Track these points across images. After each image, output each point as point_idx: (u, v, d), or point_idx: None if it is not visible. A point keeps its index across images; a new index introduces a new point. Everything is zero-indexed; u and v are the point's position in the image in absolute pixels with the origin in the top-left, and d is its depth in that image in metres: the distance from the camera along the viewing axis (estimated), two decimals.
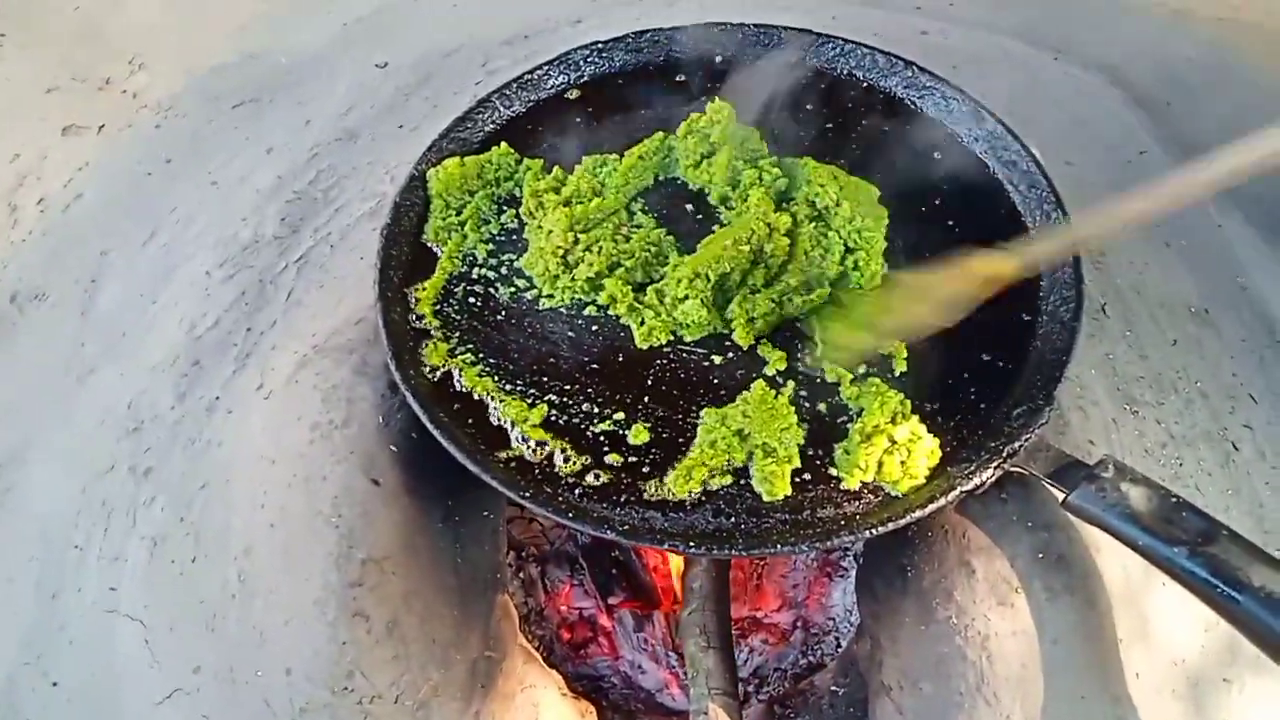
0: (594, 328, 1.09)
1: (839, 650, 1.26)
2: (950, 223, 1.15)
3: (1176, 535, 0.87)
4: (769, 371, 1.05)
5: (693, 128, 1.20)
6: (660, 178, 1.22)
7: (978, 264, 1.03)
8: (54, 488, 1.23)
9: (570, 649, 1.29)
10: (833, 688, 1.16)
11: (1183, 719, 0.97)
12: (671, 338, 1.08)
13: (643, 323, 1.08)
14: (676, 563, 1.35)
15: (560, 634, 1.29)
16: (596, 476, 0.98)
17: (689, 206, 1.19)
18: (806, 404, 1.02)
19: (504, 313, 1.11)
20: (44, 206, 1.51)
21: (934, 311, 1.04)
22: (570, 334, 1.09)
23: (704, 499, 0.97)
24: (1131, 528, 0.88)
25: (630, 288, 1.10)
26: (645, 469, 0.99)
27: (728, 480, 0.98)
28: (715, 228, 1.14)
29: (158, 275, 1.38)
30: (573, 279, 1.10)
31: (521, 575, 1.30)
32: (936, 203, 1.16)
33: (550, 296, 1.12)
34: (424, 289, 1.12)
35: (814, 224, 1.12)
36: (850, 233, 1.10)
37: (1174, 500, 0.89)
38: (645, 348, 1.07)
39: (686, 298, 1.06)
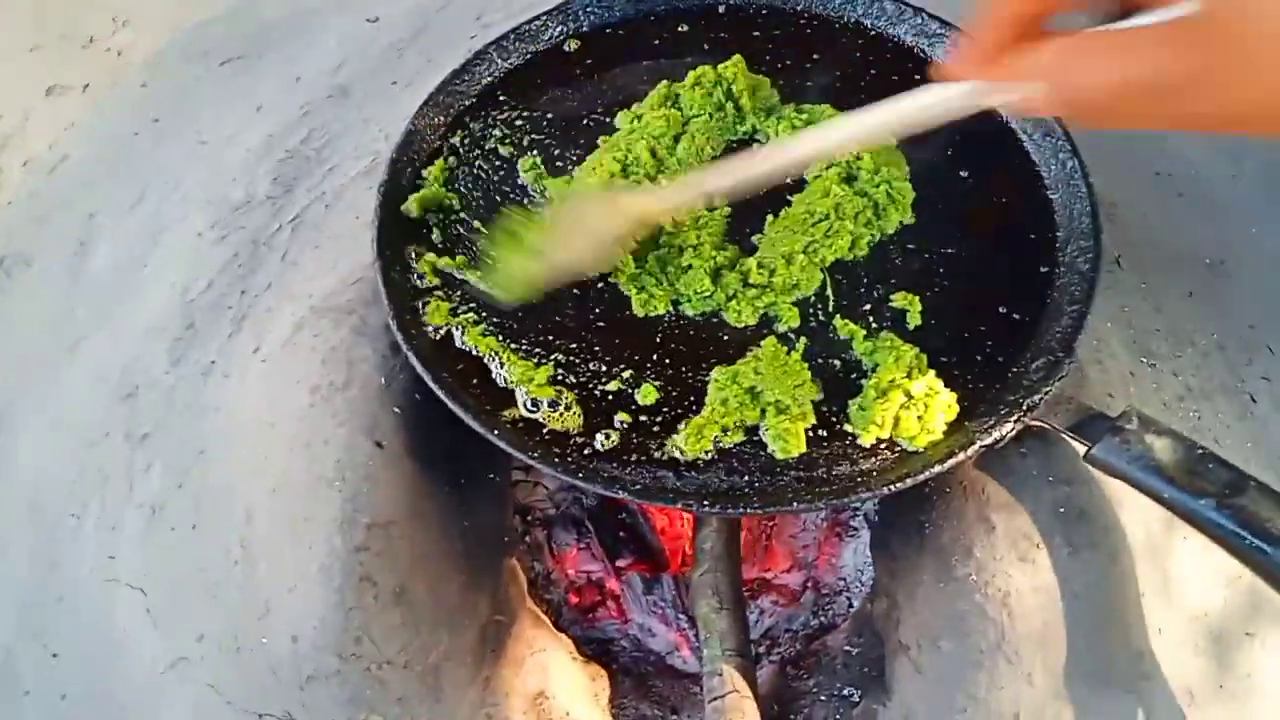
0: (600, 284, 1.06)
1: (850, 611, 1.25)
2: (964, 173, 1.12)
3: (1203, 487, 0.85)
4: (780, 328, 1.02)
5: (701, 80, 1.16)
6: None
7: (626, 201, 1.02)
8: (48, 456, 1.21)
9: (579, 613, 1.28)
10: (846, 648, 1.15)
11: (1205, 673, 0.96)
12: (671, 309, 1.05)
13: (642, 289, 1.05)
14: (685, 525, 1.33)
15: (568, 598, 1.28)
16: (606, 436, 0.96)
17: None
18: (820, 360, 1.00)
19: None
20: (29, 169, 1.47)
21: (593, 248, 1.03)
22: (575, 291, 1.06)
23: (716, 458, 0.95)
24: (1157, 480, 0.86)
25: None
26: (655, 428, 0.96)
27: (740, 438, 0.96)
28: None
29: (148, 237, 1.34)
30: None
31: (528, 539, 1.28)
32: (949, 153, 1.13)
33: None
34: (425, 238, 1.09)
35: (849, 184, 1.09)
36: (880, 186, 1.07)
37: (1200, 451, 0.87)
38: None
39: (689, 267, 1.03)
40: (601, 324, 1.04)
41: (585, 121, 1.20)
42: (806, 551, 1.32)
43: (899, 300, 1.03)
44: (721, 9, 1.27)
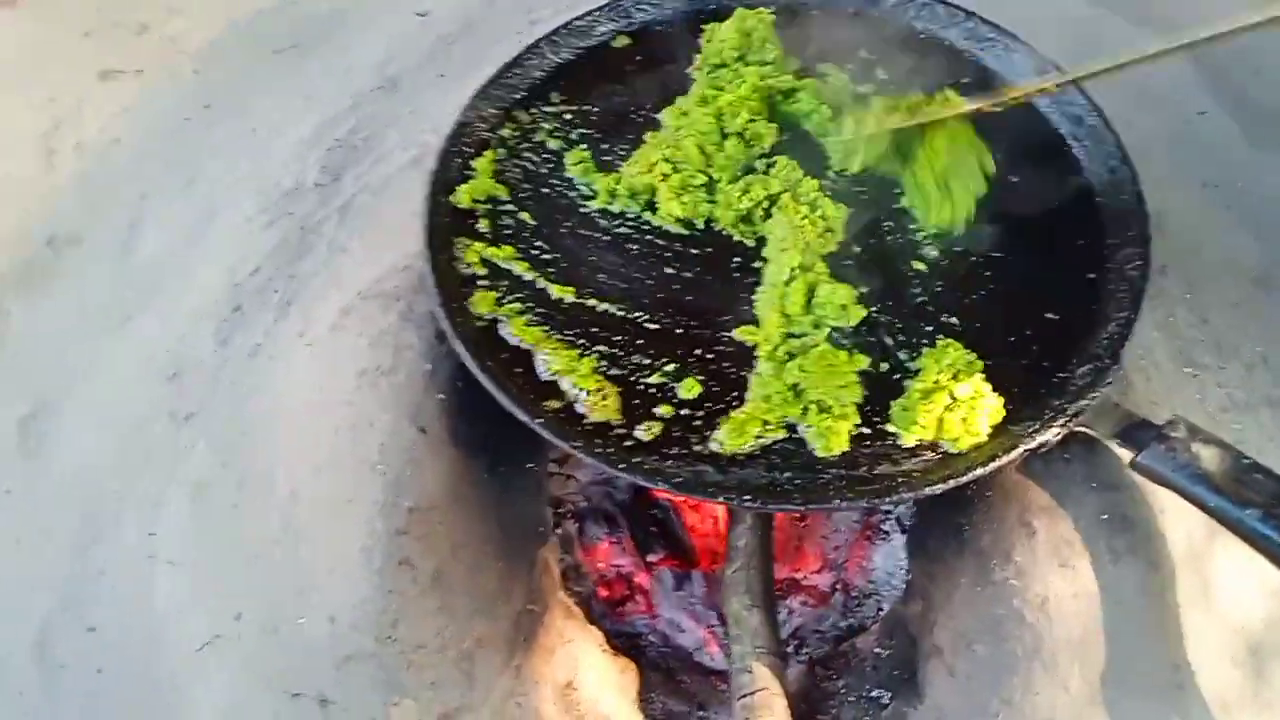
0: (649, 281, 1.07)
1: (880, 613, 1.25)
2: (1014, 179, 1.12)
3: (1249, 497, 0.84)
4: (830, 326, 1.02)
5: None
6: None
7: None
8: (93, 434, 1.22)
9: (608, 606, 1.28)
10: (876, 649, 1.15)
11: (1242, 686, 0.96)
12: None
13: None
14: (717, 523, 1.33)
15: (598, 591, 1.28)
16: (648, 428, 0.96)
17: None
18: (865, 358, 1.00)
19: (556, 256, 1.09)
20: (81, 151, 1.50)
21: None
22: (623, 285, 1.07)
23: (758, 453, 0.95)
24: (1202, 489, 0.86)
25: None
26: (697, 422, 0.97)
27: (781, 434, 0.96)
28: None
29: (197, 221, 1.37)
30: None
31: (559, 532, 1.29)
32: (998, 157, 1.13)
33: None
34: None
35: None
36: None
37: (1246, 462, 0.87)
38: (701, 303, 1.05)
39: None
40: (646, 316, 1.04)
41: (634, 117, 1.21)
42: (837, 553, 1.32)
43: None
44: (772, 9, 1.27)
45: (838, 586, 1.31)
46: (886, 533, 1.30)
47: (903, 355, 1.00)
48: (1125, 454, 0.91)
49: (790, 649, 1.27)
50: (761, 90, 1.16)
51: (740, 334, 1.02)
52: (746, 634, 1.10)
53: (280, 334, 1.17)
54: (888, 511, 1.29)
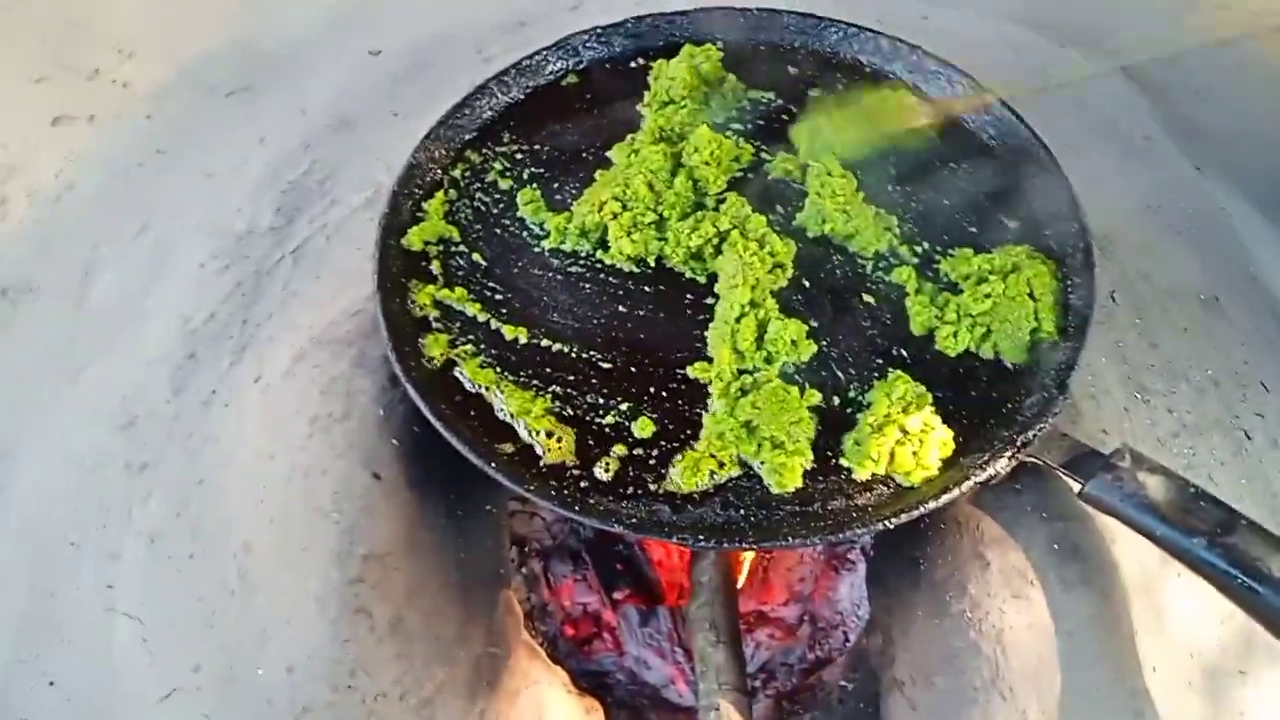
0: (602, 320, 1.07)
1: (847, 645, 1.25)
2: (956, 210, 1.13)
3: (1195, 525, 0.85)
4: (781, 363, 1.02)
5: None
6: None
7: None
8: (47, 484, 1.21)
9: (574, 645, 1.28)
10: (842, 683, 1.15)
11: (1199, 711, 0.96)
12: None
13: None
14: (682, 558, 1.33)
15: (564, 630, 1.28)
16: (606, 468, 0.96)
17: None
18: (817, 394, 1.00)
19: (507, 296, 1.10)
20: (34, 198, 1.48)
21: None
22: (575, 324, 1.07)
23: (712, 491, 0.95)
24: (1149, 518, 0.87)
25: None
26: (651, 461, 0.97)
27: (736, 471, 0.96)
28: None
29: (151, 267, 1.35)
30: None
31: (524, 570, 1.28)
32: (943, 187, 1.15)
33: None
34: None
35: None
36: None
37: (1192, 490, 0.88)
38: (654, 341, 1.05)
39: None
40: (599, 356, 1.04)
41: (584, 155, 1.22)
42: (803, 585, 1.32)
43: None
44: (719, 44, 1.28)
45: (804, 618, 1.31)
46: (852, 562, 1.31)
47: (853, 390, 1.01)
48: (1074, 484, 0.91)
49: (758, 683, 1.27)
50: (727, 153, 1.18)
51: (694, 371, 1.03)
52: (712, 670, 1.09)
53: (234, 381, 1.16)
54: (851, 542, 1.30)
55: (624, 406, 1.01)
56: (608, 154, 1.21)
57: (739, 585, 1.23)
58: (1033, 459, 0.93)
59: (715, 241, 1.10)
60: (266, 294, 1.25)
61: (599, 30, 1.31)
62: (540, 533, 1.34)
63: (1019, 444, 0.93)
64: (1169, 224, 1.31)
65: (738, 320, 1.03)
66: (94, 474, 1.18)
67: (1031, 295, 1.03)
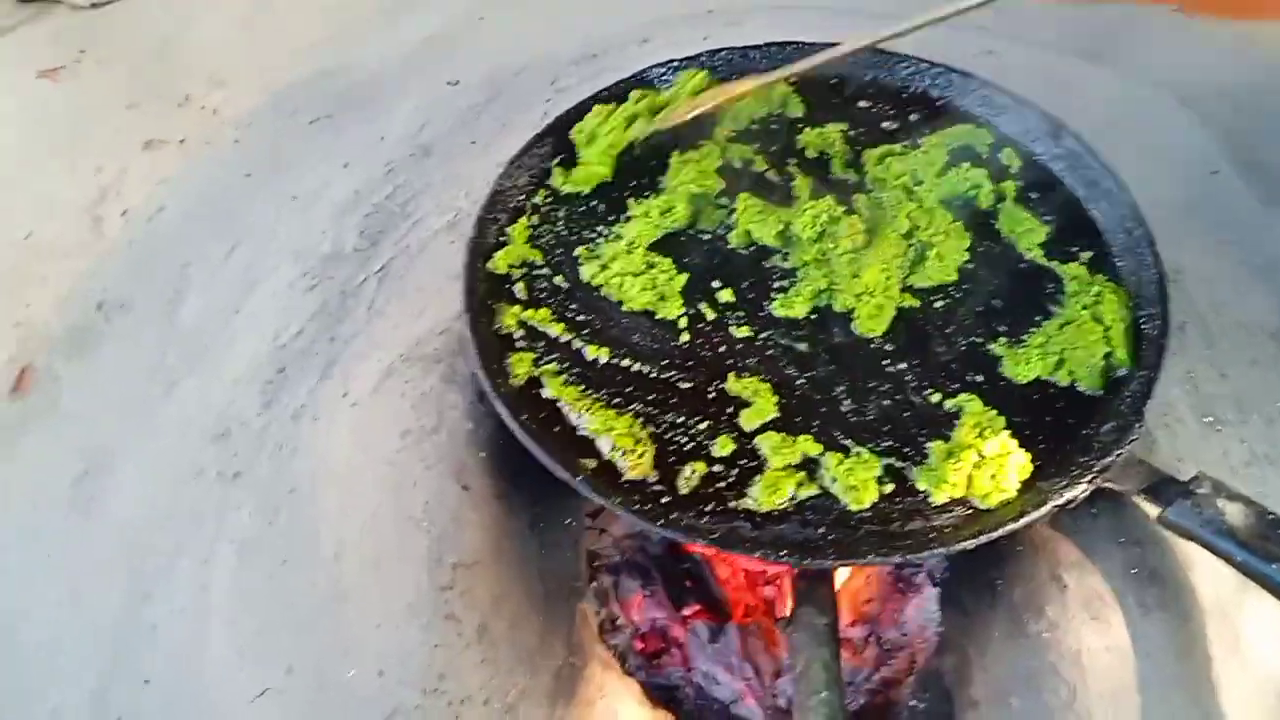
0: (680, 340, 1.11)
1: (914, 666, 1.26)
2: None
3: (1274, 551, 0.87)
4: None
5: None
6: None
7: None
8: (141, 494, 1.25)
9: (645, 659, 1.30)
10: (912, 702, 1.16)
11: None
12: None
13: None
14: (750, 575, 1.35)
15: (634, 644, 1.30)
16: (686, 484, 0.99)
17: None
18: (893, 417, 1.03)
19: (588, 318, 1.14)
20: (127, 218, 1.55)
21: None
22: (654, 345, 1.10)
23: (791, 510, 0.98)
24: (1229, 543, 0.88)
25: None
26: (730, 479, 1.00)
27: (814, 490, 0.99)
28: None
29: (240, 286, 1.41)
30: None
31: (595, 584, 1.31)
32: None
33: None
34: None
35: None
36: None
37: (1270, 516, 0.89)
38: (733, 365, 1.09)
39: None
40: (680, 375, 1.08)
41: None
42: (869, 606, 1.34)
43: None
44: (794, 82, 1.31)
45: (870, 639, 1.32)
46: (919, 585, 1.32)
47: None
48: (1152, 509, 0.93)
49: None
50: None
51: None
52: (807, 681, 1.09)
53: (323, 395, 1.21)
54: (919, 565, 1.31)
55: (703, 425, 1.03)
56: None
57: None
58: (1109, 485, 0.95)
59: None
60: (352, 313, 1.30)
61: (675, 63, 1.35)
62: (609, 548, 1.36)
63: (1097, 470, 0.94)
64: (1238, 257, 1.32)
65: None
66: (186, 484, 1.23)
67: (1100, 321, 1.05)
